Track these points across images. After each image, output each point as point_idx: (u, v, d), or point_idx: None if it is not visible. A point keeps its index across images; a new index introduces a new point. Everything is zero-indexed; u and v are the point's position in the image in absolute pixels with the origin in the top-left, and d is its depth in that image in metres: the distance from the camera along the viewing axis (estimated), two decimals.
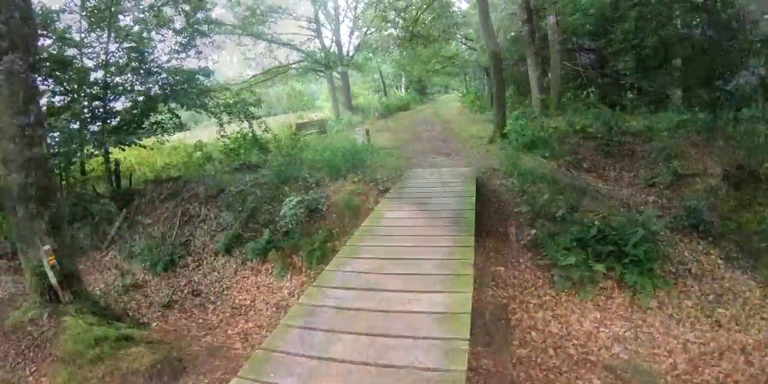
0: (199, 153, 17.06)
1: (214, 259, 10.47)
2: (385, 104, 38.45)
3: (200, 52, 17.27)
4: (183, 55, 16.45)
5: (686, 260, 8.71)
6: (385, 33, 19.17)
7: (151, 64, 15.01)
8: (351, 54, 30.71)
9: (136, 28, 14.55)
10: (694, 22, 15.65)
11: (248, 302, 9.09)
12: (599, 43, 28.85)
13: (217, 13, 27.82)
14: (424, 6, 16.19)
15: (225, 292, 9.46)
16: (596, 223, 8.37)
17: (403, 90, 56.08)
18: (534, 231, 8.47)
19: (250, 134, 16.88)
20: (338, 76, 30.92)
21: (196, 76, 15.86)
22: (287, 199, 9.93)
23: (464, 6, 31.71)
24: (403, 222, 7.77)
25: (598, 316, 7.38)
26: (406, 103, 47.93)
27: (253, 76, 29.45)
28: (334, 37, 29.78)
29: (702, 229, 10.13)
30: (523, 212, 8.85)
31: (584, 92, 27.33)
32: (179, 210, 12.06)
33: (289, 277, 9.36)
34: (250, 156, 15.90)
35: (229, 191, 11.85)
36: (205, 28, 17.09)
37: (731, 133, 13.92)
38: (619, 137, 14.94)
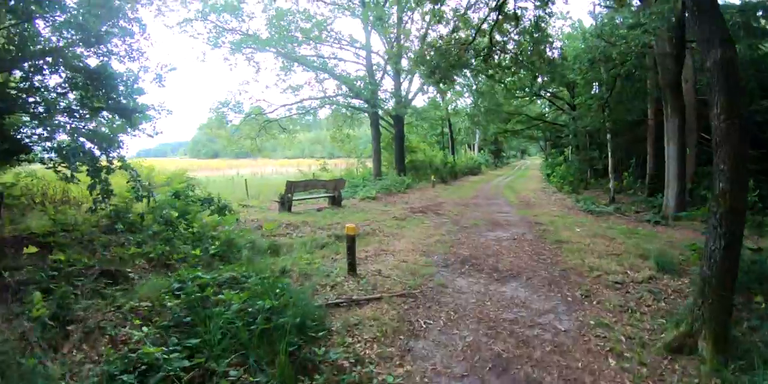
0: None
1: None
2: (450, 165, 28.79)
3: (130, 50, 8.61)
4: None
5: None
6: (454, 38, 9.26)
7: None
8: (410, 95, 21.36)
9: None
10: None
11: None
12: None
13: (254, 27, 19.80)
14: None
15: None
16: None
17: (476, 149, 46.25)
18: None
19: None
20: (392, 121, 21.62)
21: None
22: None
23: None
24: None
25: None
26: (477, 165, 38.21)
27: (284, 105, 20.53)
28: (387, 67, 20.48)
29: None
30: None
31: None
32: None
33: None
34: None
35: None
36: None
37: None
38: None
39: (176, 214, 7.05)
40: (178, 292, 4.68)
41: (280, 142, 24.39)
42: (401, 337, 4.13)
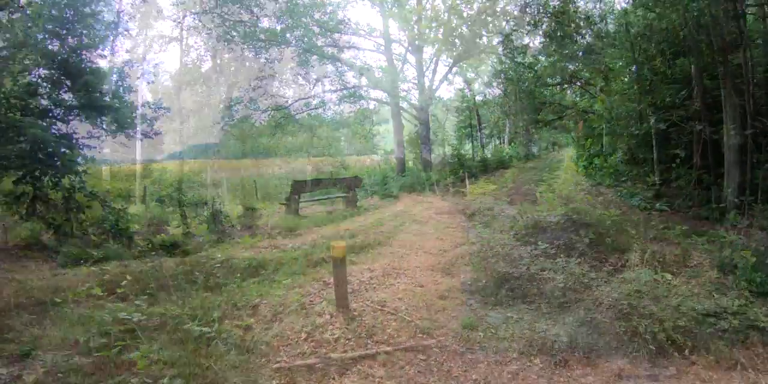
0: None
1: None
2: (479, 159, 26.75)
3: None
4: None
5: None
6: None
7: None
8: (435, 84, 19.41)
9: None
10: None
11: None
12: None
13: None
14: None
15: None
16: None
17: (506, 142, 43.82)
18: None
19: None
20: (415, 113, 19.83)
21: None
22: None
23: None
24: None
25: None
26: (508, 158, 36.01)
27: (301, 99, 18.90)
28: (408, 56, 18.67)
29: None
30: None
31: None
32: None
33: None
34: None
35: None
36: None
37: None
38: None
39: (133, 226, 5.55)
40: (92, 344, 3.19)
41: (302, 141, 23.02)
42: None
